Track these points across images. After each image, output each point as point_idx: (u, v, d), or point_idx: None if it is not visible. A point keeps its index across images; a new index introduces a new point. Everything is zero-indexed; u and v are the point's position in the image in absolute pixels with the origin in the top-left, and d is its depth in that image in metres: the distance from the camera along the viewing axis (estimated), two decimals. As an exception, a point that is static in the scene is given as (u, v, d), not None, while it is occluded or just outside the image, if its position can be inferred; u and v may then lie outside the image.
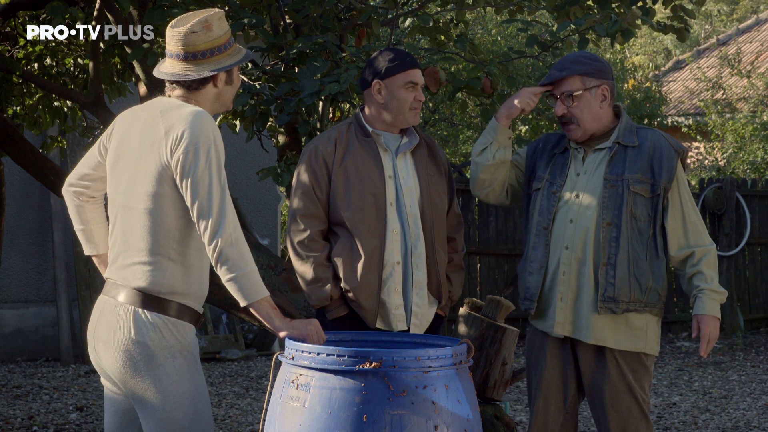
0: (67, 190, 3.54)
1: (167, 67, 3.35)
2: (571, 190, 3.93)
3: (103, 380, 3.43)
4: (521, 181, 4.12)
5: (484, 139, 4.03)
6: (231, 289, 3.23)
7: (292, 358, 3.21)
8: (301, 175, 4.01)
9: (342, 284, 3.95)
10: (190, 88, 3.34)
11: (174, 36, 3.31)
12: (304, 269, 3.98)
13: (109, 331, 3.28)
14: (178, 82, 3.34)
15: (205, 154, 3.20)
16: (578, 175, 3.95)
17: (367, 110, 4.05)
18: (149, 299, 3.25)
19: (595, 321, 3.86)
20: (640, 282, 3.84)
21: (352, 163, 3.96)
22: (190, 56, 3.31)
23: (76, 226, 3.56)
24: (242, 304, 3.24)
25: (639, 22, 5.19)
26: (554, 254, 3.93)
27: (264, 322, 3.28)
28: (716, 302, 3.88)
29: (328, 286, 3.94)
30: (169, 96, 3.37)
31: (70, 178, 3.53)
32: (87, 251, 3.59)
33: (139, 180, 3.28)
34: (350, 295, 3.94)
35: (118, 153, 3.37)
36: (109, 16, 5.29)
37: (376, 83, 3.98)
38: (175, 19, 3.35)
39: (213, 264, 3.23)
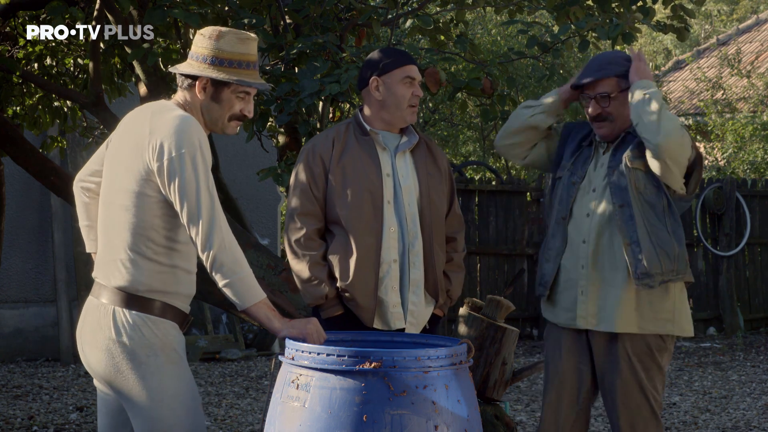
0: (76, 186, 3.56)
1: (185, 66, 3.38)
2: (589, 184, 3.99)
3: (95, 381, 3.43)
4: (551, 152, 4.16)
5: (543, 101, 4.10)
6: (227, 293, 3.23)
7: (292, 358, 3.21)
8: (299, 173, 4.01)
9: (338, 283, 3.95)
10: (187, 88, 3.35)
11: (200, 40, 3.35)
12: (300, 267, 3.97)
13: (93, 332, 3.29)
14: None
15: (191, 159, 3.19)
16: (595, 170, 4.01)
17: (366, 110, 4.05)
18: (129, 298, 3.25)
19: (621, 309, 3.87)
20: (666, 251, 3.87)
21: (349, 162, 3.96)
22: (208, 60, 3.32)
23: (82, 222, 3.57)
24: (239, 308, 3.25)
25: (638, 23, 5.20)
26: (572, 248, 3.97)
27: (263, 324, 3.29)
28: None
29: (324, 284, 3.94)
30: (172, 97, 3.40)
31: (80, 174, 3.56)
32: (89, 248, 3.59)
33: (120, 176, 3.29)
34: (347, 294, 3.94)
35: (113, 151, 3.39)
36: (109, 16, 5.29)
37: (374, 80, 3.99)
38: (210, 28, 3.37)
39: (208, 270, 3.23)
